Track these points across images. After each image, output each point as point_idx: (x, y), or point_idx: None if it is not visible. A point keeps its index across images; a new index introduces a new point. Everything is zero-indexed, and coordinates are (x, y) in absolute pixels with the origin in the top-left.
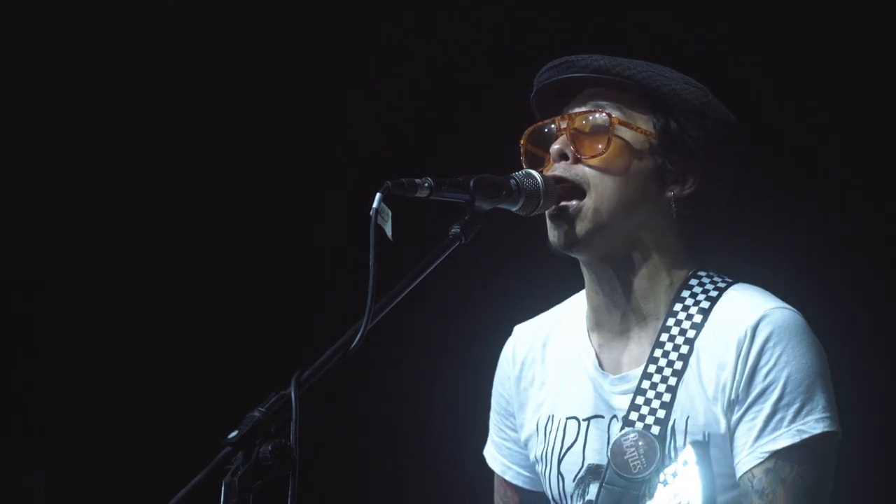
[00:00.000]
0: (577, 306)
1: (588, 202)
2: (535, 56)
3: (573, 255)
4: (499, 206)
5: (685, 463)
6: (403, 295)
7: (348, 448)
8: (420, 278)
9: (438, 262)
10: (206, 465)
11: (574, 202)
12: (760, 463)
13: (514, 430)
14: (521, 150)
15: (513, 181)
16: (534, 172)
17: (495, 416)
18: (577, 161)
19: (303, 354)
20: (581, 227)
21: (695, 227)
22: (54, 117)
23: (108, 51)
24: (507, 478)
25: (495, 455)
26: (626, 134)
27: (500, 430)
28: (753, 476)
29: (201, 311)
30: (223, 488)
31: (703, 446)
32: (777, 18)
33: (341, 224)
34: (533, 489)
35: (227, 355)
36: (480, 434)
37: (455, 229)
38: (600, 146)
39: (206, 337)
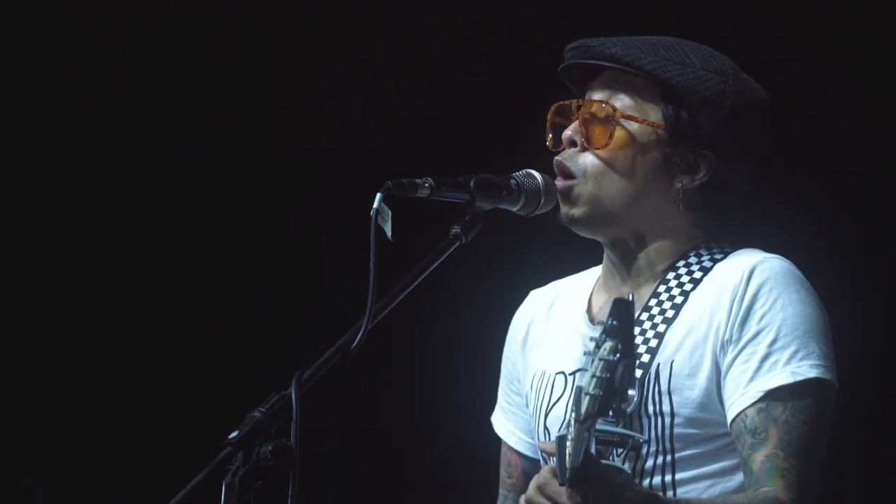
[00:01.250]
0: (590, 273)
1: (581, 186)
2: (536, 51)
3: (577, 232)
4: (499, 206)
5: (608, 325)
6: (404, 295)
7: (348, 448)
8: (420, 278)
9: (439, 262)
10: (207, 466)
11: (566, 182)
12: (753, 403)
13: (519, 395)
14: (548, 125)
15: (513, 181)
16: (534, 172)
17: (503, 381)
18: (584, 149)
19: (303, 354)
20: (579, 211)
21: (707, 213)
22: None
23: (97, 44)
24: (511, 443)
25: (501, 419)
26: (632, 126)
27: (506, 394)
28: (746, 416)
29: (201, 311)
30: (224, 488)
31: (624, 305)
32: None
33: (342, 224)
34: (536, 457)
35: (228, 355)
36: (482, 433)
37: (455, 229)
38: (605, 138)
39: (207, 337)
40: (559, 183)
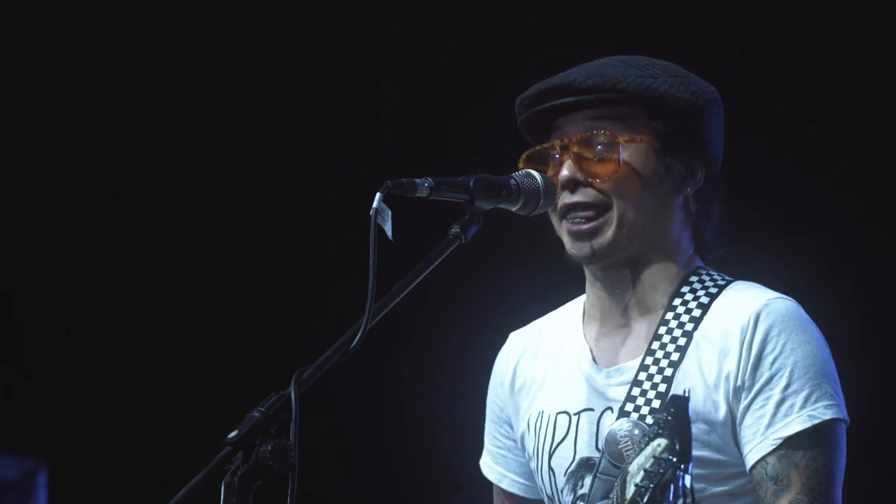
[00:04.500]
0: (572, 308)
1: (611, 216)
2: (531, 53)
3: (591, 267)
4: (499, 205)
5: (664, 419)
6: (404, 294)
7: (348, 448)
8: (420, 278)
9: (438, 261)
10: (206, 465)
11: (595, 222)
12: (773, 450)
13: (510, 438)
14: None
15: (513, 181)
16: (534, 172)
17: (490, 425)
18: (588, 185)
19: (303, 354)
20: (605, 241)
21: (706, 222)
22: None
23: (106, 46)
24: (504, 486)
25: (490, 464)
26: (632, 149)
27: (495, 437)
28: (767, 463)
29: (202, 311)
30: (223, 488)
31: (682, 403)
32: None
33: (341, 224)
34: (530, 497)
35: (227, 355)
36: (482, 433)
37: (455, 229)
38: (610, 168)
39: (207, 336)
40: (584, 227)
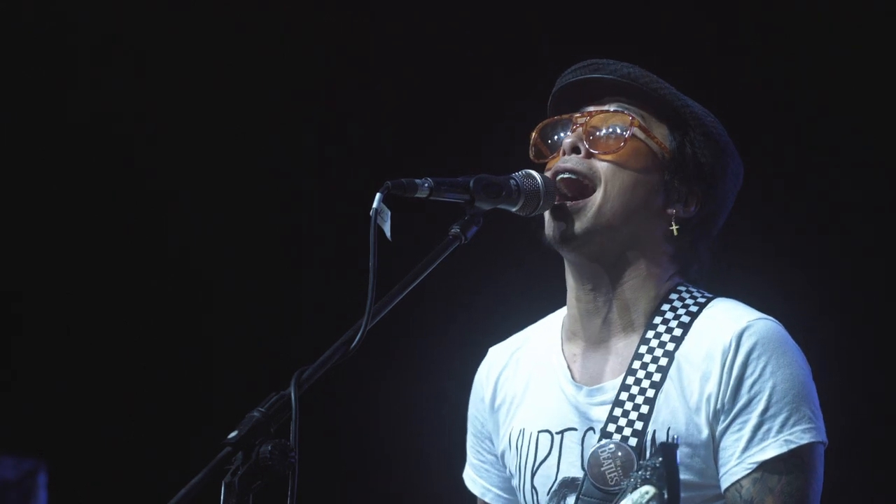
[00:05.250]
0: (551, 323)
1: (596, 197)
2: (535, 52)
3: (566, 253)
4: (498, 206)
5: (653, 466)
6: (403, 294)
7: (347, 448)
8: (420, 278)
9: (438, 262)
10: (206, 465)
11: (579, 200)
12: (748, 474)
13: (491, 453)
14: (531, 141)
15: (513, 181)
16: (534, 173)
17: (472, 439)
18: (589, 156)
19: (303, 354)
20: (581, 225)
21: (690, 247)
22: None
23: (86, 48)
24: (487, 500)
25: (474, 477)
26: (642, 141)
27: (477, 451)
28: (741, 487)
29: (201, 311)
30: (223, 488)
31: (671, 450)
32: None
33: (341, 224)
34: None
35: (227, 355)
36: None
37: (455, 229)
38: (617, 144)
39: (206, 336)
40: (567, 203)
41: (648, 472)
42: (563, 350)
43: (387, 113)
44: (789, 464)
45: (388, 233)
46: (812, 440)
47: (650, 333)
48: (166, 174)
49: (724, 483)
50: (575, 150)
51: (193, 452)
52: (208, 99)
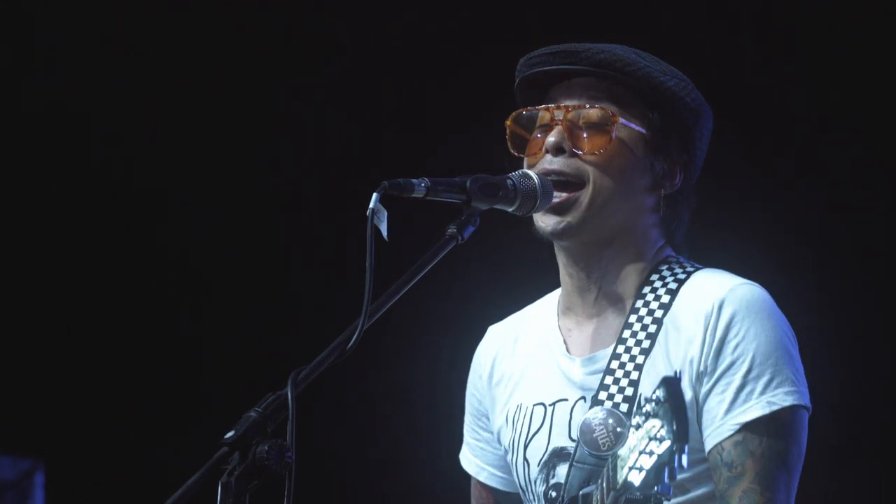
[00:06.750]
0: (548, 302)
1: (585, 194)
2: (521, 48)
3: (559, 242)
4: (495, 206)
5: (657, 400)
6: (400, 294)
7: (344, 447)
8: (417, 278)
9: (435, 261)
10: (203, 465)
11: (569, 194)
12: (730, 436)
13: (488, 431)
14: (507, 132)
15: (509, 181)
16: (530, 173)
17: (469, 418)
18: (573, 155)
19: (299, 354)
20: (575, 218)
21: (674, 213)
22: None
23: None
24: (482, 479)
25: (469, 457)
26: (624, 132)
27: (474, 430)
28: (723, 449)
29: (201, 311)
30: (220, 488)
31: (674, 384)
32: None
33: (340, 223)
34: (508, 490)
35: (225, 355)
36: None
37: (451, 229)
38: (601, 143)
39: (205, 336)
40: (561, 195)
41: (653, 408)
42: (559, 325)
43: (387, 113)
44: (771, 427)
45: (384, 233)
46: (794, 402)
47: (639, 303)
48: (166, 174)
49: (708, 445)
50: (559, 149)
51: (190, 452)
52: (208, 99)
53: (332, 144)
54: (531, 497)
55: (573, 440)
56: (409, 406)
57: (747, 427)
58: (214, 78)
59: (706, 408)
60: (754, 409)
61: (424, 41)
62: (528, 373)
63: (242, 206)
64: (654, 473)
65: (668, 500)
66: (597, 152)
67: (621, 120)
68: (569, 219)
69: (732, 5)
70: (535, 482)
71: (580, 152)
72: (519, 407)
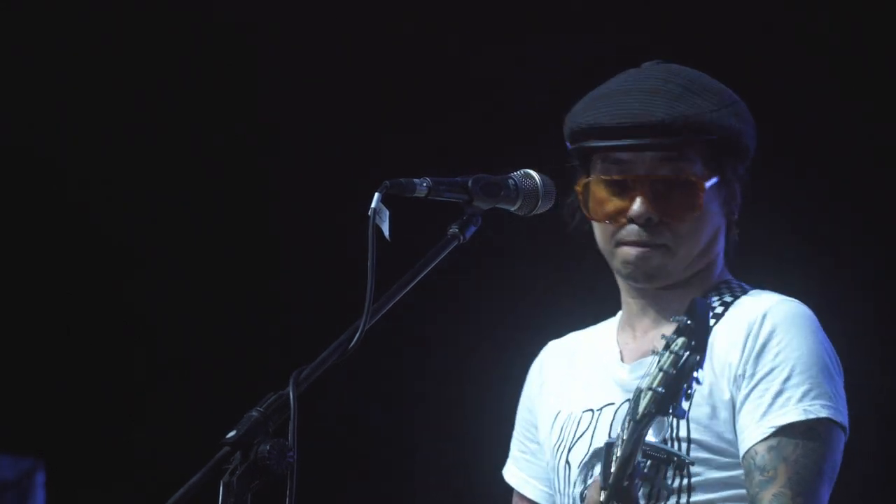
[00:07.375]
0: (609, 323)
1: (669, 257)
2: (532, 52)
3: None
4: (497, 205)
5: (683, 321)
6: (402, 294)
7: (346, 447)
8: (419, 278)
9: (436, 261)
10: (205, 465)
11: (658, 252)
12: (765, 439)
13: (535, 442)
14: (579, 199)
15: (511, 181)
16: (532, 172)
17: (519, 430)
18: (663, 224)
19: (301, 354)
20: (652, 270)
21: (731, 233)
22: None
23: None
24: (525, 492)
25: (514, 471)
26: (709, 191)
27: (521, 443)
28: (756, 452)
29: (200, 310)
30: (221, 488)
31: (702, 306)
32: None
33: (341, 223)
34: None
35: (226, 355)
36: (480, 434)
37: (453, 229)
38: (689, 212)
39: (205, 336)
40: (637, 251)
41: (681, 328)
42: (617, 339)
43: (386, 112)
44: (806, 434)
45: (386, 232)
46: (830, 416)
47: None
48: (166, 174)
49: (742, 449)
50: (647, 220)
51: (191, 452)
52: (208, 99)
53: (332, 144)
54: (567, 501)
55: (611, 438)
56: (411, 405)
57: (782, 431)
58: (214, 78)
59: (743, 410)
60: (790, 414)
61: (424, 41)
62: (582, 382)
63: (242, 206)
64: (672, 390)
65: (688, 466)
66: (688, 219)
67: (706, 182)
68: (649, 269)
69: (732, 5)
70: (574, 484)
71: (668, 221)
72: (570, 415)
